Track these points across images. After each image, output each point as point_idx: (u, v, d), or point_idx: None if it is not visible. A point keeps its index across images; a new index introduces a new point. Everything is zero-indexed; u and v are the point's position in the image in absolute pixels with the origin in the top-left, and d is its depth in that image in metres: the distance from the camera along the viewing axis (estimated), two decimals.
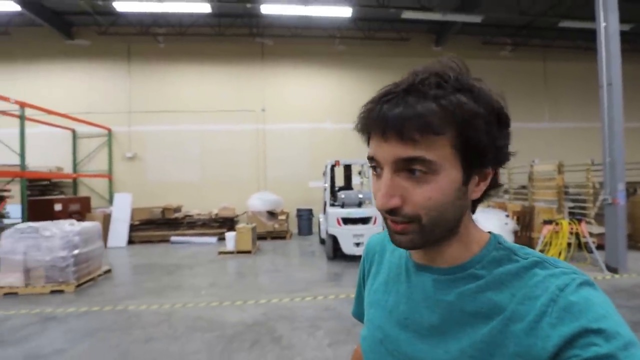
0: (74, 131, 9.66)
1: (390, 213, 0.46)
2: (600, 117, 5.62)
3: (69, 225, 4.99)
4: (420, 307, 0.52)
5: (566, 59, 11.28)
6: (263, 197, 8.95)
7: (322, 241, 7.84)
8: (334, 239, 6.17)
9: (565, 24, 8.83)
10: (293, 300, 4.24)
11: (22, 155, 6.78)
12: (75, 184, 9.70)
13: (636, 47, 10.99)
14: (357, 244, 6.00)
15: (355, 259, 6.30)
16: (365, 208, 6.39)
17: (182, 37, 10.01)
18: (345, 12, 8.12)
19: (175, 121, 10.01)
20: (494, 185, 0.50)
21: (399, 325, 0.54)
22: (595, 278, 4.99)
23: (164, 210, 8.76)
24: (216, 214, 8.97)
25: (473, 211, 0.53)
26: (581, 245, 5.99)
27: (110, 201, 9.66)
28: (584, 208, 6.79)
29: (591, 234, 5.92)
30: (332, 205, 6.73)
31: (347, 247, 5.98)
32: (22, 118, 6.83)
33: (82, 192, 9.67)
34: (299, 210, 9.47)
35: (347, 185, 7.65)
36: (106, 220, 8.23)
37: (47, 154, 9.30)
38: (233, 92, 10.26)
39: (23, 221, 6.64)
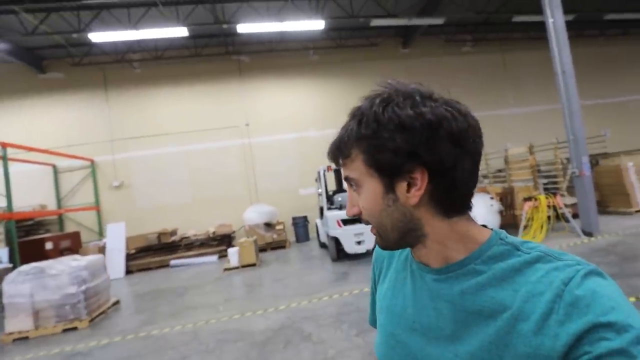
0: (54, 166, 9.43)
1: (360, 220, 0.56)
2: (559, 100, 6.25)
3: (74, 261, 4.97)
4: (426, 309, 0.53)
5: (522, 49, 12.23)
6: (258, 210, 9.09)
7: (322, 245, 8.07)
8: (337, 241, 6.42)
9: (518, 18, 9.63)
10: (311, 301, 4.45)
11: (9, 196, 6.61)
12: (60, 220, 9.43)
13: (580, 32, 12.10)
14: (359, 242, 6.28)
15: (358, 257, 6.58)
16: None
17: (158, 60, 10.05)
18: (318, 24, 8.50)
19: (159, 145, 9.98)
20: (451, 184, 0.48)
21: (409, 330, 0.55)
22: (574, 243, 5.54)
23: (160, 235, 8.70)
24: (213, 232, 9.00)
25: (457, 210, 0.51)
26: (559, 216, 6.58)
27: (101, 233, 9.47)
28: (556, 183, 7.43)
29: (566, 205, 6.51)
30: (330, 208, 6.99)
31: (350, 247, 6.25)
32: (4, 158, 6.67)
33: (70, 228, 9.41)
34: (294, 219, 9.66)
35: (340, 189, 7.94)
36: (100, 253, 8.07)
37: (27, 192, 9.00)
38: (215, 110, 10.37)
39: (14, 264, 6.47)
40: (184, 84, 10.31)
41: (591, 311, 0.39)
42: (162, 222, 9.44)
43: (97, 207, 9.56)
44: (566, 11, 6.56)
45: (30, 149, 7.59)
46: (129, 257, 8.34)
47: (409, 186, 0.49)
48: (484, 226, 0.54)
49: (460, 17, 9.81)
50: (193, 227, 9.58)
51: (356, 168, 0.52)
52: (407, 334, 0.55)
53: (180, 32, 8.21)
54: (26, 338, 4.54)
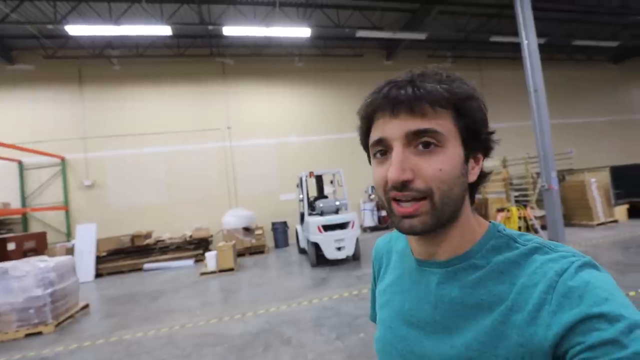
0: (20, 162, 8.91)
1: (400, 189, 0.47)
2: (531, 117, 6.64)
3: (41, 262, 4.70)
4: (424, 304, 0.53)
5: (498, 68, 12.92)
6: (237, 214, 8.97)
7: (302, 251, 8.06)
8: (317, 246, 6.44)
9: (495, 38, 10.18)
10: (290, 306, 4.43)
11: None
12: (25, 219, 8.89)
13: (551, 56, 12.93)
14: (339, 249, 6.33)
15: (338, 263, 6.62)
16: (343, 214, 6.77)
17: (139, 58, 9.80)
18: (305, 32, 8.62)
19: (136, 144, 9.68)
20: (483, 174, 0.53)
21: (406, 324, 0.55)
22: None
23: (134, 237, 8.38)
24: (190, 236, 8.78)
25: (472, 201, 0.54)
26: (529, 227, 6.93)
27: (69, 234, 9.02)
28: (526, 195, 7.84)
29: (535, 217, 6.87)
30: (311, 214, 7.01)
31: (330, 253, 6.29)
32: None
33: (35, 228, 8.89)
34: (274, 224, 9.59)
35: (321, 195, 8.00)
36: (68, 254, 7.66)
37: None
38: (196, 111, 10.20)
39: None
40: (165, 84, 10.09)
41: (584, 302, 0.39)
42: (135, 224, 9.11)
43: (66, 206, 9.09)
44: (539, 34, 7.02)
45: None
46: (100, 260, 7.97)
47: (474, 163, 0.51)
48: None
49: (441, 34, 10.24)
50: (168, 230, 9.30)
51: (445, 124, 0.47)
52: (405, 328, 0.55)
53: (164, 30, 8.07)
54: None
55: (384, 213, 10.58)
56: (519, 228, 6.74)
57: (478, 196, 8.52)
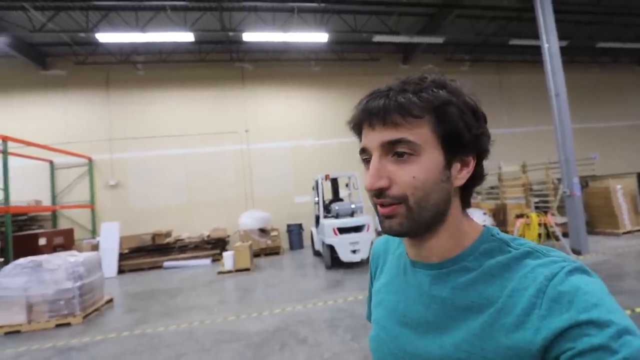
0: (51, 162, 9.40)
1: (378, 195, 0.49)
2: (552, 122, 6.51)
3: (71, 256, 4.97)
4: (417, 304, 0.54)
5: (517, 71, 12.67)
6: (253, 215, 9.14)
7: (316, 253, 8.14)
8: (332, 249, 6.50)
9: (515, 42, 10.02)
10: (306, 306, 4.51)
11: (6, 190, 6.59)
12: (54, 216, 9.35)
13: (573, 58, 12.59)
14: (354, 251, 6.37)
15: (352, 265, 6.65)
16: (358, 217, 6.81)
17: (162, 64, 10.19)
18: (322, 37, 8.75)
19: (158, 146, 10.03)
20: (478, 176, 0.53)
21: (399, 324, 0.56)
22: None
23: (154, 236, 8.68)
24: (208, 236, 9.01)
25: (466, 205, 0.55)
26: (549, 234, 6.77)
27: (94, 232, 9.41)
28: (547, 202, 7.65)
29: (557, 224, 6.70)
30: (326, 217, 7.08)
31: (345, 255, 6.34)
32: (5, 152, 6.67)
33: (63, 225, 9.33)
34: (289, 226, 9.72)
35: (336, 198, 8.06)
36: (93, 251, 8.01)
37: (22, 187, 8.94)
38: (215, 115, 10.49)
39: (7, 258, 6.40)
40: (186, 88, 10.43)
41: (574, 307, 0.39)
42: (155, 224, 9.42)
43: (92, 205, 9.51)
44: (560, 37, 6.90)
45: (30, 144, 7.60)
46: (122, 257, 8.30)
47: (461, 167, 0.51)
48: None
49: (459, 37, 10.17)
50: (187, 230, 9.57)
51: (420, 133, 0.48)
52: (398, 328, 0.56)
53: (187, 37, 8.38)
54: (18, 332, 4.51)
55: None
56: (539, 235, 6.60)
57: (497, 202, 8.38)
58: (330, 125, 10.94)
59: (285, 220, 10.04)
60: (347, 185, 8.29)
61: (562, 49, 6.77)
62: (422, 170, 0.48)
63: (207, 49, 10.21)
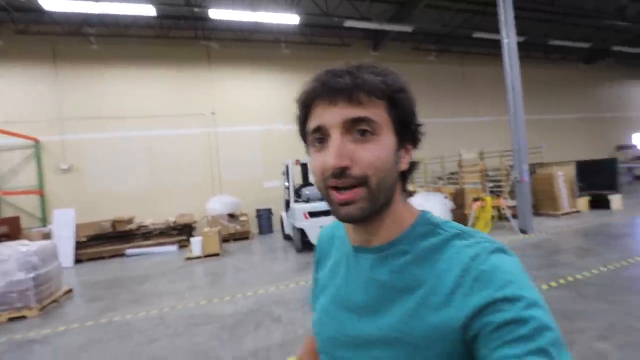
0: None
1: (339, 176, 0.48)
2: (508, 112, 7.00)
3: (22, 246, 4.61)
4: (357, 288, 0.56)
5: (480, 63, 13.32)
6: (222, 200, 8.97)
7: (286, 237, 8.22)
8: (302, 232, 6.61)
9: (478, 34, 10.49)
10: (278, 288, 4.60)
11: None
12: None
13: (528, 54, 13.46)
14: None
15: None
16: None
17: (120, 38, 9.42)
18: (293, 19, 8.56)
19: (117, 128, 9.39)
20: (413, 164, 0.56)
21: (342, 308, 0.57)
22: (512, 239, 6.29)
23: (115, 222, 8.24)
24: (174, 222, 8.72)
25: (403, 191, 0.57)
26: (501, 216, 7.39)
27: (43, 220, 8.73)
28: (500, 186, 8.30)
29: (508, 207, 7.32)
30: (297, 201, 7.15)
31: (316, 238, 6.44)
32: None
33: (7, 213, 8.54)
34: (258, 211, 9.67)
35: (306, 182, 8.13)
36: (45, 240, 7.45)
37: None
38: (180, 96, 9.98)
39: None
40: (147, 66, 9.77)
41: (491, 285, 0.43)
42: (116, 210, 8.93)
43: (40, 190, 8.77)
44: (518, 33, 7.34)
45: None
46: (79, 245, 7.81)
47: (405, 153, 0.54)
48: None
49: (427, 27, 10.44)
50: (151, 216, 9.18)
51: (379, 114, 0.49)
52: (340, 312, 0.57)
53: (148, 10, 7.80)
54: None
55: None
56: (493, 216, 7.18)
57: (456, 187, 8.93)
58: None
59: (255, 205, 9.97)
60: None
61: (519, 44, 7.22)
62: (382, 150, 0.49)
63: (168, 24, 9.58)
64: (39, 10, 8.17)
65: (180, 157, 9.81)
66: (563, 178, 8.81)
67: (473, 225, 7.07)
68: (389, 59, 11.99)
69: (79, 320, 4.09)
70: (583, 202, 9.04)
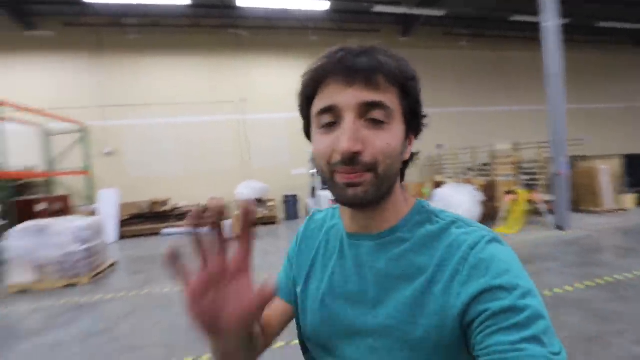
0: (42, 128, 9.22)
1: (349, 162, 0.46)
2: (547, 101, 6.64)
3: (76, 221, 5.09)
4: (352, 276, 0.55)
5: (516, 48, 12.59)
6: (250, 186, 9.29)
7: None
8: None
9: (515, 18, 9.90)
10: None
11: (3, 155, 6.53)
12: (48, 183, 9.32)
13: (572, 37, 12.53)
14: None
15: None
16: None
17: (155, 28, 9.82)
18: (323, 5, 8.51)
19: (151, 114, 9.89)
20: (412, 155, 0.55)
21: (334, 295, 0.56)
22: (547, 236, 6.06)
23: (152, 203, 8.79)
24: (205, 205, 9.15)
25: (402, 179, 0.56)
26: (535, 211, 7.11)
27: (90, 199, 9.45)
28: (536, 180, 7.95)
29: (543, 201, 7.03)
30: (323, 188, 7.27)
31: None
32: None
33: (58, 191, 9.33)
34: (286, 197, 9.92)
35: None
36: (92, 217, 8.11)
37: (15, 153, 8.82)
38: (210, 83, 10.30)
39: (7, 224, 6.48)
40: (180, 54, 10.14)
41: (489, 273, 0.43)
42: (152, 192, 9.50)
43: (87, 172, 9.48)
44: (561, 15, 6.87)
45: (25, 109, 7.44)
46: (122, 223, 8.44)
47: (409, 143, 0.53)
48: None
49: (459, 11, 9.99)
50: (184, 199, 9.69)
51: (393, 99, 0.48)
52: (333, 300, 0.56)
53: (181, 0, 8.05)
54: (26, 291, 4.70)
55: None
56: (527, 211, 6.93)
57: (487, 178, 8.66)
58: None
59: (282, 191, 10.22)
60: None
61: (562, 27, 6.77)
62: (393, 138, 0.48)
63: (201, 14, 9.84)
64: (84, 3, 8.68)
65: (210, 143, 10.20)
66: (607, 172, 8.28)
67: (504, 219, 6.88)
68: (419, 45, 11.64)
69: (123, 290, 4.49)
70: (630, 199, 8.47)
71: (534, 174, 8.09)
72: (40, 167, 9.08)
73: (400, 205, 0.55)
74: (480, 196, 7.07)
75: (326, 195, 6.67)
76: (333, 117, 0.48)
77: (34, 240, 4.74)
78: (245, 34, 10.51)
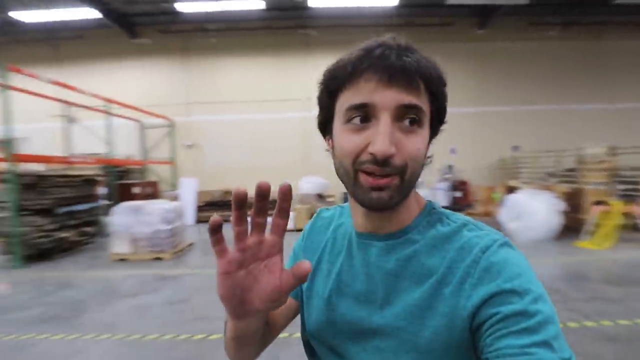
0: (139, 123, 10.76)
1: (382, 164, 0.45)
2: None
3: (163, 204, 5.89)
4: (360, 275, 0.55)
5: (619, 36, 10.78)
6: (312, 181, 9.62)
7: None
8: None
9: (618, 0, 8.50)
10: None
11: (109, 145, 7.82)
12: (142, 170, 10.85)
13: None
14: None
15: None
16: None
17: (233, 31, 10.69)
18: (392, 0, 8.35)
19: (227, 111, 10.83)
20: (428, 159, 0.53)
21: (341, 294, 0.56)
22: None
23: (224, 192, 9.68)
24: (270, 197, 9.77)
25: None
26: (634, 227, 6.10)
27: (173, 185, 10.76)
28: (636, 190, 6.80)
29: None
30: None
31: None
32: (108, 112, 7.84)
33: (149, 178, 10.81)
34: (345, 193, 10.03)
35: None
36: (174, 202, 9.26)
37: (117, 144, 10.45)
38: (279, 82, 10.88)
39: (111, 202, 7.74)
40: (253, 55, 10.89)
41: (500, 277, 0.43)
42: (225, 181, 10.43)
43: (172, 162, 10.81)
44: None
45: (128, 106, 8.78)
46: (198, 209, 9.46)
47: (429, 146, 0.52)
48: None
49: None
50: (251, 190, 10.40)
51: (425, 103, 0.47)
52: (340, 299, 0.56)
53: (258, 4, 8.62)
54: (125, 260, 5.61)
55: (458, 194, 10.22)
56: (620, 226, 6.00)
57: (573, 186, 7.67)
58: None
59: (341, 188, 10.18)
60: None
61: None
62: (423, 142, 0.48)
63: (274, 16, 10.40)
64: (175, 12, 9.84)
65: (277, 138, 10.80)
66: None
67: (591, 233, 6.05)
68: (498, 38, 10.70)
69: (198, 267, 5.09)
70: None
71: (636, 183, 6.92)
72: (136, 156, 10.63)
73: (412, 206, 0.54)
74: (561, 205, 6.32)
75: None
76: (364, 114, 0.46)
77: (131, 218, 5.63)
78: (314, 34, 10.84)
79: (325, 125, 0.57)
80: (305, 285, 0.63)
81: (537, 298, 0.41)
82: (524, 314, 0.40)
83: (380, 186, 0.46)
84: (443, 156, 10.14)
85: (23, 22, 9.68)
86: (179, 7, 8.76)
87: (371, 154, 0.45)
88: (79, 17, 9.39)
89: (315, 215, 0.72)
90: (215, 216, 0.38)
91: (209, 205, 9.57)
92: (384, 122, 0.45)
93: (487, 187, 9.30)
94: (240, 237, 0.40)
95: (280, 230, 0.42)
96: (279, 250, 0.42)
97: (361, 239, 0.56)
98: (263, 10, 9.68)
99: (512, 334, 0.39)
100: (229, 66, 10.97)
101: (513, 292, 0.41)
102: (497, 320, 0.41)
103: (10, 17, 9.21)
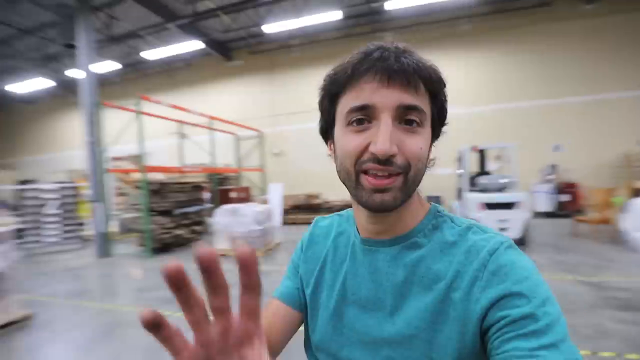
0: (235, 135, 12.15)
1: (384, 162, 0.45)
2: None
3: (255, 207, 6.57)
4: (367, 282, 0.54)
5: None
6: None
7: None
8: None
9: None
10: None
11: (213, 155, 9.05)
12: (237, 177, 12.21)
13: None
14: (502, 229, 5.88)
15: None
16: (509, 193, 6.17)
17: (313, 44, 11.31)
18: None
19: (309, 120, 11.45)
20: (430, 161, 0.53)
21: (347, 303, 0.55)
22: None
23: (308, 197, 10.24)
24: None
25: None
26: None
27: (263, 190, 11.82)
28: None
29: None
30: (471, 190, 6.71)
31: None
32: (211, 128, 9.11)
33: (243, 183, 12.09)
34: (428, 197, 9.48)
35: (482, 171, 7.42)
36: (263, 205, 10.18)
37: (217, 155, 12.00)
38: None
39: (213, 205, 8.91)
40: (332, 64, 10.94)
41: (508, 279, 0.43)
42: (308, 187, 11.04)
43: (262, 169, 11.90)
44: None
45: (225, 121, 10.04)
46: (285, 212, 10.21)
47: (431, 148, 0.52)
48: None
49: None
50: (333, 195, 10.81)
51: (425, 104, 0.48)
52: (346, 308, 0.55)
53: (335, 15, 8.96)
54: (225, 255, 6.39)
55: (564, 197, 8.79)
56: None
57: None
58: (487, 90, 9.81)
59: (425, 191, 9.78)
60: (498, 157, 7.48)
61: None
62: (425, 142, 0.48)
63: (351, 24, 10.64)
64: (262, 34, 10.89)
65: None
66: None
67: None
68: (611, 12, 8.93)
69: (286, 264, 5.49)
70: None
71: None
72: (232, 164, 12.02)
73: (416, 209, 0.54)
74: None
75: (475, 198, 6.14)
76: (365, 116, 0.47)
77: (230, 219, 6.41)
78: (390, 36, 10.71)
79: (327, 131, 0.58)
80: (309, 297, 0.62)
81: (545, 301, 0.41)
82: (532, 317, 0.40)
83: (383, 187, 0.46)
84: (544, 154, 8.90)
85: (148, 60, 11.96)
86: (265, 29, 9.67)
87: (372, 153, 0.45)
88: (188, 49, 11.13)
89: (312, 224, 0.72)
90: (146, 310, 0.25)
91: (294, 209, 10.23)
92: (384, 122, 0.45)
93: (605, 189, 7.78)
94: (197, 327, 0.26)
95: (253, 313, 0.28)
96: (257, 335, 0.28)
97: (366, 245, 0.56)
98: (340, 20, 10.00)
99: (520, 336, 0.39)
100: (310, 77, 11.60)
101: (521, 294, 0.42)
102: (505, 323, 0.41)
103: (140, 57, 11.48)
